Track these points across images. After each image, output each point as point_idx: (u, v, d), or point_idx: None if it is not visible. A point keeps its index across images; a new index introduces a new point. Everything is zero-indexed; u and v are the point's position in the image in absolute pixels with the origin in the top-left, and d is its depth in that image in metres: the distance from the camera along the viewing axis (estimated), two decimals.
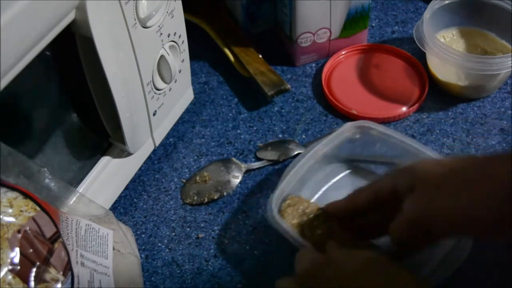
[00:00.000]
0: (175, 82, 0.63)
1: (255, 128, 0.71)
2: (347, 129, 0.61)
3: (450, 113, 0.70)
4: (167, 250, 0.61)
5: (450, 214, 0.45)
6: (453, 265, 0.52)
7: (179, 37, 0.61)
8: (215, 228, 0.62)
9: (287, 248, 0.60)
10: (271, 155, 0.68)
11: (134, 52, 0.54)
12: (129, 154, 0.62)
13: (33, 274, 0.43)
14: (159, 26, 0.56)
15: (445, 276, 0.51)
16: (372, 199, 0.52)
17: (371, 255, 0.46)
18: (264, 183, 0.66)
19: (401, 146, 0.60)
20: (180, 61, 0.63)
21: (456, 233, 0.50)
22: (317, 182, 0.62)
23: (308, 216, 0.56)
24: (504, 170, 0.43)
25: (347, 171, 0.64)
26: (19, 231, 0.43)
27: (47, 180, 0.50)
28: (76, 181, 0.58)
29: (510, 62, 0.65)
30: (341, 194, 0.55)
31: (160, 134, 0.66)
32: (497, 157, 0.46)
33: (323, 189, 0.63)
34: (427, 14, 0.70)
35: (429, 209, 0.46)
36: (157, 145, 0.66)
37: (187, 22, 0.62)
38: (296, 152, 0.67)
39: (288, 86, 0.72)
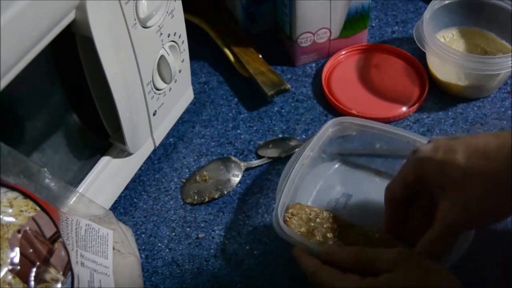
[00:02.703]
0: (175, 82, 0.63)
1: (255, 128, 0.71)
2: (327, 128, 0.61)
3: (450, 113, 0.70)
4: (167, 250, 0.61)
5: (495, 213, 0.45)
6: (457, 254, 0.52)
7: (179, 37, 0.61)
8: (215, 228, 0.62)
9: (287, 248, 0.60)
10: (272, 152, 0.68)
11: (134, 52, 0.54)
12: (129, 154, 0.62)
13: (33, 274, 0.43)
14: (159, 26, 0.56)
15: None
16: (406, 192, 0.50)
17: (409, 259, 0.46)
18: (264, 182, 0.66)
19: (384, 136, 0.60)
20: (180, 61, 0.63)
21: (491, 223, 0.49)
22: (309, 185, 0.62)
23: (315, 221, 0.56)
24: None
25: (335, 167, 0.65)
26: (19, 231, 0.43)
27: (47, 180, 0.50)
28: (76, 181, 0.58)
29: (510, 62, 0.65)
30: (335, 191, 0.58)
31: (160, 134, 0.66)
32: None
33: (316, 190, 0.63)
34: (427, 14, 0.70)
35: (472, 211, 0.45)
36: (157, 145, 0.66)
37: (187, 22, 0.62)
38: (297, 149, 0.67)
39: (288, 86, 0.72)
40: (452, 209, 0.46)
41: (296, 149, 0.67)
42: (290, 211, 0.57)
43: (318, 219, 0.56)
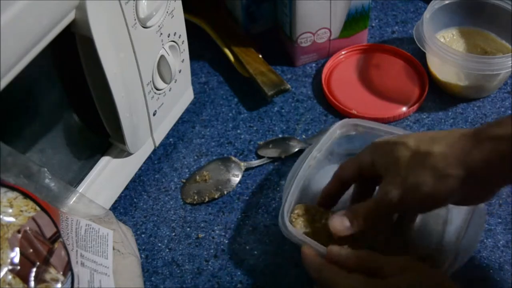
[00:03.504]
0: (175, 82, 0.63)
1: (255, 128, 0.71)
2: (335, 130, 0.61)
3: (450, 113, 0.70)
4: (167, 250, 0.61)
5: (417, 195, 0.47)
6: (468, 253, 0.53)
7: (179, 37, 0.61)
8: (215, 228, 0.62)
9: (287, 248, 0.60)
10: (272, 152, 0.68)
11: (134, 52, 0.54)
12: (129, 154, 0.62)
13: (33, 274, 0.43)
14: (159, 26, 0.56)
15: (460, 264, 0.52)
16: (356, 173, 0.53)
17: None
18: (264, 182, 0.66)
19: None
20: (180, 61, 0.63)
21: (425, 210, 0.51)
22: (316, 186, 0.62)
23: (321, 222, 0.55)
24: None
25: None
26: (19, 231, 0.43)
27: (47, 180, 0.50)
28: (76, 181, 0.58)
29: (510, 62, 0.65)
30: None
31: (160, 134, 0.66)
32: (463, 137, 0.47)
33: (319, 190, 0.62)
34: (427, 14, 0.70)
35: (408, 188, 0.47)
36: (157, 145, 0.66)
37: (187, 22, 0.62)
38: (297, 149, 0.67)
39: (288, 86, 0.72)
40: (389, 183, 0.48)
41: (297, 149, 0.67)
42: (296, 211, 0.56)
43: (323, 220, 0.55)
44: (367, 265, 0.48)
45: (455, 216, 0.56)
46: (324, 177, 0.62)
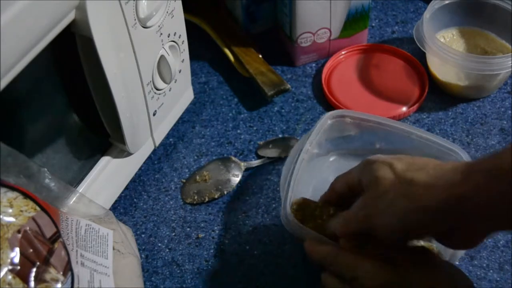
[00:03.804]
0: (175, 82, 0.63)
1: (255, 128, 0.71)
2: (325, 120, 0.61)
3: (450, 113, 0.70)
4: (167, 250, 0.61)
5: (387, 220, 0.44)
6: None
7: (179, 37, 0.61)
8: (215, 228, 0.62)
9: (287, 248, 0.60)
10: (272, 152, 0.68)
11: (134, 52, 0.54)
12: (129, 154, 0.62)
13: (33, 274, 0.43)
14: (159, 26, 0.56)
15: None
16: (346, 188, 0.52)
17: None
18: (264, 182, 0.66)
19: (379, 128, 0.60)
20: (180, 61, 0.63)
21: (395, 237, 0.47)
22: (308, 179, 0.62)
23: (321, 217, 0.55)
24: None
25: (330, 160, 0.65)
26: (19, 231, 0.43)
27: (47, 180, 0.50)
28: (76, 181, 0.58)
29: (510, 62, 0.65)
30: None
31: (160, 134, 0.66)
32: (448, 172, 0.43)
33: (312, 185, 0.62)
34: (427, 14, 0.70)
35: (370, 213, 0.46)
36: (157, 145, 0.66)
37: (187, 22, 0.62)
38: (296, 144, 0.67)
39: (288, 86, 0.72)
40: (362, 200, 0.47)
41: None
42: (293, 207, 0.56)
43: (324, 217, 0.55)
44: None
45: None
46: (314, 170, 0.62)
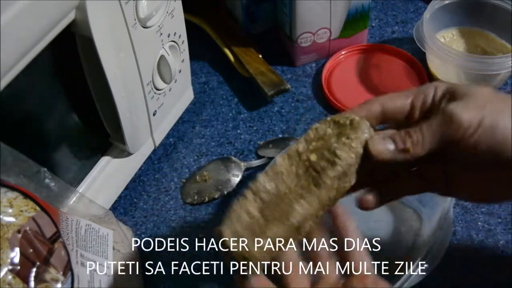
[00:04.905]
0: (175, 82, 0.63)
1: (255, 128, 0.71)
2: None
3: None
4: (167, 250, 0.61)
5: (491, 136, 0.39)
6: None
7: (179, 37, 0.61)
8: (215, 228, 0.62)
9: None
10: (272, 152, 0.68)
11: (134, 52, 0.54)
12: (129, 154, 0.62)
13: (33, 274, 0.43)
14: (159, 26, 0.56)
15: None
16: (406, 108, 0.44)
17: None
18: None
19: None
20: (180, 61, 0.63)
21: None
22: None
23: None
24: None
25: None
26: (19, 231, 0.43)
27: (47, 180, 0.50)
28: (76, 181, 0.58)
29: (510, 62, 0.65)
30: None
31: (160, 134, 0.66)
32: None
33: None
34: (427, 14, 0.70)
35: (477, 121, 0.39)
36: (157, 145, 0.66)
37: (187, 22, 0.62)
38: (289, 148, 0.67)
39: (288, 86, 0.72)
40: (464, 107, 0.39)
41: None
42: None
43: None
44: None
45: (426, 226, 0.56)
46: None
